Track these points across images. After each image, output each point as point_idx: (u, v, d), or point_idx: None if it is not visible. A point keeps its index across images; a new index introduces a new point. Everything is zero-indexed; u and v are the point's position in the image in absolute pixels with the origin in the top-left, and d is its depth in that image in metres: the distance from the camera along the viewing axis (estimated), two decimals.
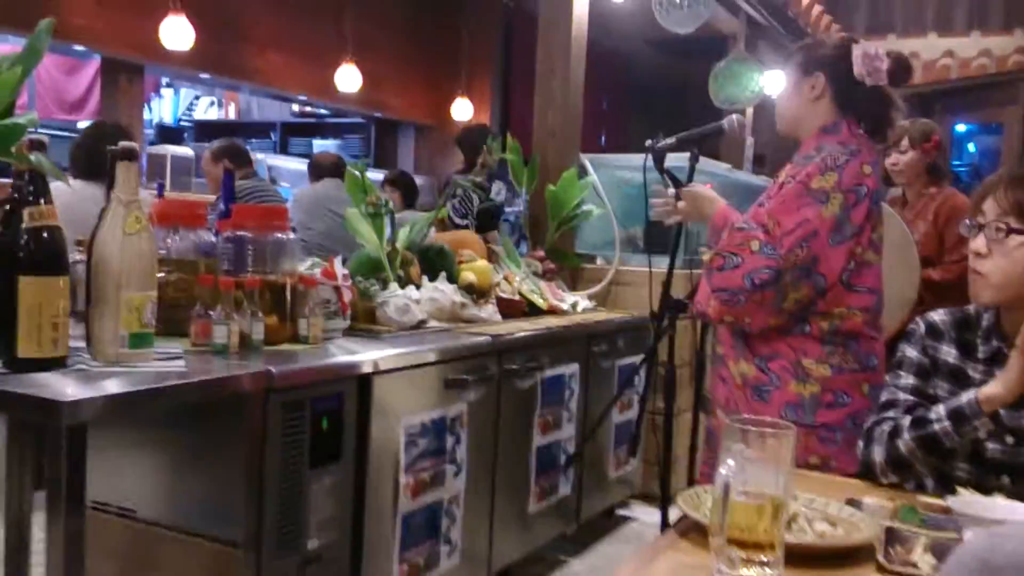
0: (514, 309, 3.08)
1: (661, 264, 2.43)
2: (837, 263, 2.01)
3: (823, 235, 1.99)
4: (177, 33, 4.84)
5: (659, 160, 2.26)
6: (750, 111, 5.71)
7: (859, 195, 2.01)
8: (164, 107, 9.20)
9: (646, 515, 3.63)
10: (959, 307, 1.61)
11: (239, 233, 2.11)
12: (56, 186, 1.66)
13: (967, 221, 1.53)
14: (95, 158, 3.12)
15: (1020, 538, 0.63)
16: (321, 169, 5.06)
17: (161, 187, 4.54)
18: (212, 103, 9.19)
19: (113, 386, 1.56)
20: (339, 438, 2.03)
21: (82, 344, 1.72)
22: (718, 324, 2.13)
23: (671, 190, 2.20)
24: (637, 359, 3.32)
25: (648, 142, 2.30)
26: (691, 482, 2.40)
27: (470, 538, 2.54)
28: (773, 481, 1.03)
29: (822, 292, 2.03)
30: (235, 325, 1.93)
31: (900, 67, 2.08)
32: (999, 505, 1.26)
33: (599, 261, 4.08)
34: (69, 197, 1.98)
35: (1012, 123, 7.36)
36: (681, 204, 2.19)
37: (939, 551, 1.11)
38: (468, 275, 2.92)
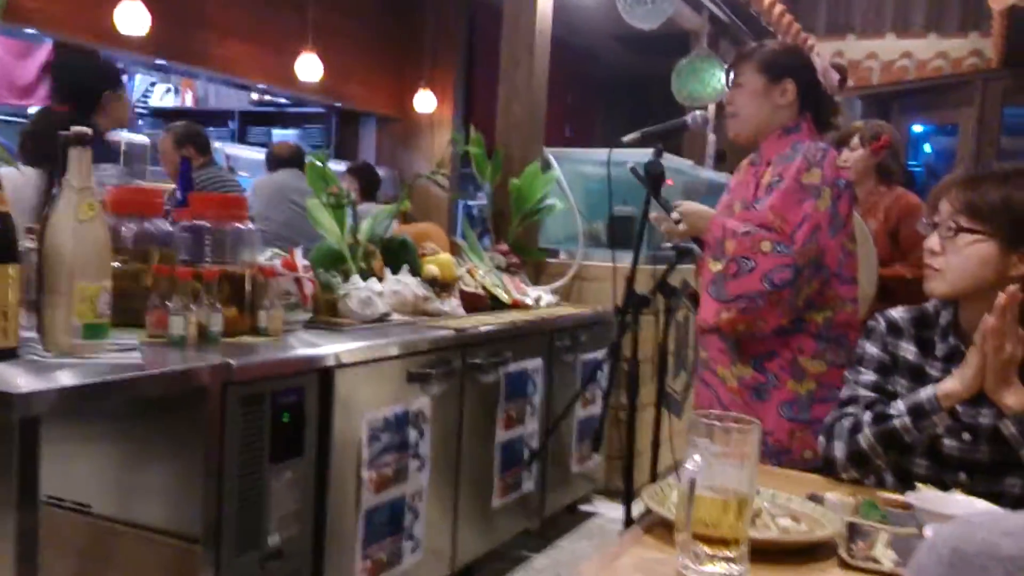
0: (477, 303, 3.07)
1: (624, 259, 2.44)
2: (836, 255, 2.08)
3: (824, 228, 2.05)
4: (132, 17, 4.73)
5: (656, 185, 2.23)
6: (712, 108, 5.75)
7: (840, 188, 2.09)
8: None
9: (609, 510, 3.65)
10: (918, 305, 1.64)
11: (197, 222, 2.07)
12: (6, 172, 1.61)
13: (923, 220, 1.57)
14: (45, 145, 3.05)
15: (990, 527, 0.65)
16: (279, 159, 5.00)
17: None
18: (168, 90, 9.00)
19: (66, 378, 1.51)
20: (300, 432, 2.00)
21: (34, 335, 1.67)
22: (728, 334, 2.14)
23: (674, 215, 2.20)
24: (600, 354, 3.33)
25: (631, 165, 2.30)
26: (654, 477, 2.41)
27: (433, 534, 2.52)
28: (738, 477, 1.03)
29: (826, 284, 2.08)
30: (192, 316, 1.89)
31: (843, 77, 2.29)
32: (957, 500, 1.28)
33: (562, 255, 4.08)
34: (19, 183, 1.93)
35: (967, 124, 7.49)
36: (682, 227, 2.20)
37: (900, 546, 1.12)
38: (431, 268, 2.90)
